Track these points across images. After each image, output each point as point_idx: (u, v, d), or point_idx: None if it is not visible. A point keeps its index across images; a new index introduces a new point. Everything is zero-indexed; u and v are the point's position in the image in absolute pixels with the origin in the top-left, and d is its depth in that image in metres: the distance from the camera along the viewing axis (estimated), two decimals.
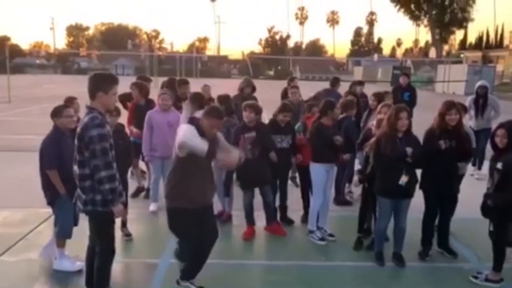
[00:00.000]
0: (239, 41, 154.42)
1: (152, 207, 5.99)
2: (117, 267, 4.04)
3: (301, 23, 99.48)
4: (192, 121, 3.73)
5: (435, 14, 44.29)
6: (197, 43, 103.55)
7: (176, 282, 3.90)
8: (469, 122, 7.99)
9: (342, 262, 4.70)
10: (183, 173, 3.65)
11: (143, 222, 5.76)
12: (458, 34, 59.25)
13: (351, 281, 4.37)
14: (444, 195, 4.63)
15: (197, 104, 5.38)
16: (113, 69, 65.18)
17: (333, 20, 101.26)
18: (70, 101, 5.25)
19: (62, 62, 72.33)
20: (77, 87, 32.31)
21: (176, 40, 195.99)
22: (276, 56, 64.52)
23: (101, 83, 3.40)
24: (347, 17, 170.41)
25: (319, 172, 5.13)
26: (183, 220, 3.72)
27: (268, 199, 5.22)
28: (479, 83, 8.42)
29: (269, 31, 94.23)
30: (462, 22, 48.17)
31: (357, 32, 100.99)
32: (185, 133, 3.55)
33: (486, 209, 4.12)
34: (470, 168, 6.96)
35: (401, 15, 52.61)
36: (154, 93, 6.59)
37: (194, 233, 3.75)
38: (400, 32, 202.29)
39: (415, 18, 50.51)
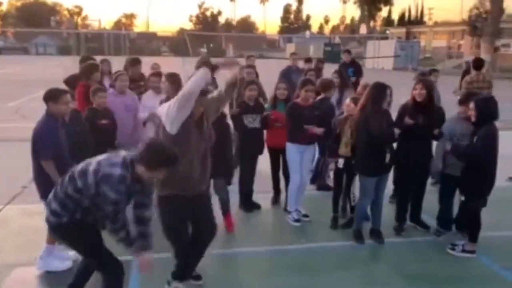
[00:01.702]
0: (168, 18, 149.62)
1: None
2: None
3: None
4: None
5: None
6: (123, 20, 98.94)
7: (166, 282, 3.59)
8: None
9: (323, 243, 4.64)
10: None
11: None
12: (383, 11, 61.60)
13: (334, 262, 4.32)
14: (416, 171, 4.70)
15: (176, 84, 5.00)
16: (33, 48, 60.56)
17: None
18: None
19: None
20: None
21: (101, 17, 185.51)
22: (211, 33, 63.28)
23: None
24: None
25: (292, 152, 5.00)
26: (170, 211, 3.38)
27: (222, 196, 4.85)
28: None
29: (200, 7, 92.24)
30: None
31: (287, 9, 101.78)
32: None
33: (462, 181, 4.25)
34: None
35: None
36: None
37: (180, 227, 3.45)
38: (327, 9, 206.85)
39: None
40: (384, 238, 4.63)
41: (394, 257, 4.45)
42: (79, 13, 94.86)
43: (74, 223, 2.96)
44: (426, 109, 4.51)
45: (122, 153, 2.95)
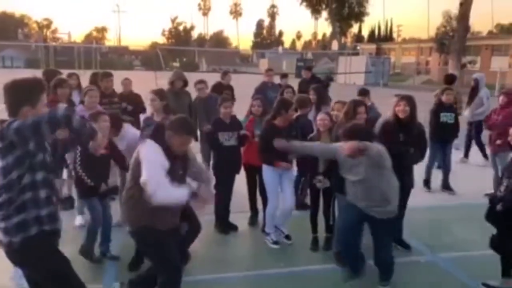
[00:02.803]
0: (140, 31, 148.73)
1: (79, 220, 5.21)
2: None
3: (205, 14, 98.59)
4: (157, 133, 3.16)
5: (335, 8, 46.42)
6: (94, 33, 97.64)
7: None
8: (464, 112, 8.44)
9: (304, 267, 4.44)
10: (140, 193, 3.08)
11: (72, 241, 4.91)
12: (353, 28, 62.99)
13: (316, 286, 4.13)
14: (400, 189, 4.58)
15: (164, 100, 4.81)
16: (0, 61, 58.90)
17: (236, 12, 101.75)
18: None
19: None
20: None
21: (71, 30, 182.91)
22: (184, 47, 63.00)
23: (25, 94, 2.62)
24: (249, 9, 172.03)
25: (269, 174, 4.79)
26: (157, 240, 3.16)
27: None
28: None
29: (173, 21, 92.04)
30: (359, 16, 51.22)
31: (259, 25, 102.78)
32: (150, 172, 2.98)
33: (492, 215, 3.88)
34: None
35: (300, 9, 54.22)
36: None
37: (174, 255, 3.23)
38: (299, 25, 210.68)
39: (316, 11, 52.51)
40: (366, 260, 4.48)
41: (377, 278, 4.29)
42: (48, 26, 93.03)
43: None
44: (408, 126, 4.43)
45: None
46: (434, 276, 4.34)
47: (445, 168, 6.89)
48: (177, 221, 3.34)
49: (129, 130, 4.94)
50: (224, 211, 5.17)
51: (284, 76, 8.79)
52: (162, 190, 2.95)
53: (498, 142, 6.15)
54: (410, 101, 4.43)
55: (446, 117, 6.58)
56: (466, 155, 8.56)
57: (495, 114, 6.57)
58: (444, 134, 6.62)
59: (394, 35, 74.66)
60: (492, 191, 6.26)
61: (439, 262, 4.60)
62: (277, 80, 8.98)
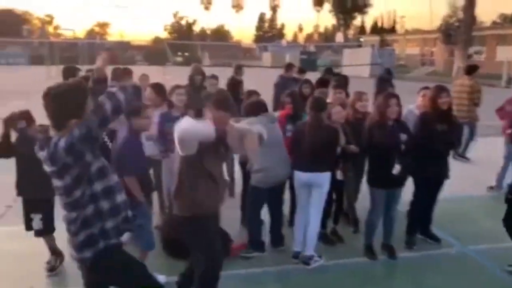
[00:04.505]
0: (141, 26, 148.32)
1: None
2: None
3: (206, 8, 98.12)
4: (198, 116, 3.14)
5: (338, 0, 46.19)
6: (96, 29, 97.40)
7: None
8: None
9: (334, 260, 4.39)
10: (190, 177, 3.05)
11: None
12: (356, 20, 62.61)
13: (350, 280, 4.11)
14: (434, 181, 4.57)
15: (162, 94, 4.78)
16: (3, 58, 58.83)
17: (238, 5, 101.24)
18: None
19: None
20: None
21: (73, 26, 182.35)
22: (188, 41, 62.80)
23: (73, 105, 2.38)
24: (251, 2, 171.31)
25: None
26: (201, 229, 3.14)
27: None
28: None
29: (175, 16, 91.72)
30: (362, 7, 50.90)
31: (261, 18, 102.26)
32: (183, 123, 2.86)
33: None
34: None
35: (301, 1, 53.87)
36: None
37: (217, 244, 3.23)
38: (301, 18, 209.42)
39: (318, 3, 52.23)
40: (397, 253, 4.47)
41: (411, 272, 4.30)
42: (50, 22, 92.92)
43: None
44: (447, 117, 4.41)
45: None
46: (466, 267, 4.34)
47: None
48: (219, 206, 3.32)
49: None
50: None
51: (301, 71, 8.67)
52: (191, 126, 2.87)
53: (509, 131, 6.19)
54: (448, 92, 4.44)
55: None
56: None
57: (509, 104, 6.50)
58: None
59: (397, 26, 74.30)
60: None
61: (469, 253, 4.59)
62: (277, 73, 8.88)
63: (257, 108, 4.27)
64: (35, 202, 3.90)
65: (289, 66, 8.78)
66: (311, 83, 6.79)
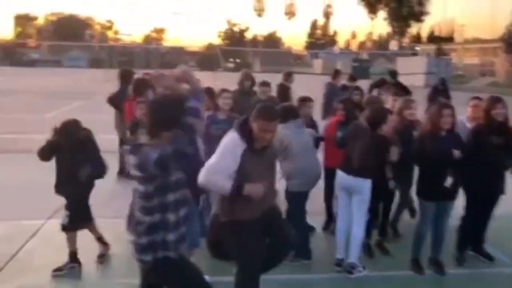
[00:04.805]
0: (196, 33, 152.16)
1: None
2: None
3: (259, 15, 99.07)
4: (244, 124, 3.18)
5: (394, 7, 45.14)
6: (153, 34, 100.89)
7: None
8: None
9: (374, 272, 4.26)
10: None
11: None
12: (412, 28, 60.88)
13: None
14: (488, 196, 4.36)
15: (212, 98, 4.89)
16: (66, 61, 62.39)
17: (290, 12, 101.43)
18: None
19: (9, 54, 68.05)
20: (30, 80, 30.85)
21: (131, 31, 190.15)
22: (241, 48, 63.84)
23: (171, 118, 2.54)
24: (303, 9, 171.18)
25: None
26: (238, 233, 3.19)
27: None
28: None
29: (228, 23, 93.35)
30: (418, 15, 49.45)
31: (314, 25, 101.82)
32: (215, 159, 3.09)
33: None
34: None
35: (355, 8, 53.13)
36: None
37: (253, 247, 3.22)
38: (354, 25, 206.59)
39: (373, 11, 51.31)
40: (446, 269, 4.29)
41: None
42: (110, 27, 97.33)
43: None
44: (503, 129, 4.20)
45: None
46: None
47: None
48: (262, 211, 3.29)
49: None
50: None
51: (352, 78, 8.58)
52: (211, 175, 3.04)
53: None
54: (504, 102, 4.22)
55: None
56: None
57: None
58: None
59: (456, 35, 71.41)
60: None
61: None
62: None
63: (286, 114, 4.26)
64: (68, 200, 4.11)
65: (336, 73, 8.68)
66: (362, 90, 6.70)
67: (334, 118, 5.04)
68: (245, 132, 3.12)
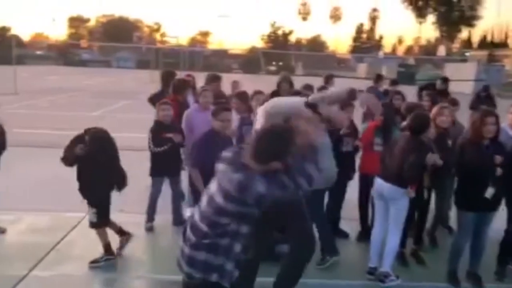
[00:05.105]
0: (240, 35, 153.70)
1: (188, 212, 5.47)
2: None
3: (304, 18, 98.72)
4: None
5: (443, 12, 43.70)
6: (198, 37, 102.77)
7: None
8: None
9: (408, 282, 4.13)
10: None
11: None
12: (462, 33, 58.74)
13: None
14: None
15: (245, 102, 4.95)
16: (115, 61, 64.62)
17: (335, 16, 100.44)
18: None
19: (63, 54, 71.35)
20: (81, 79, 32.25)
21: (177, 34, 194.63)
22: (283, 51, 63.88)
23: (282, 150, 2.37)
24: (349, 12, 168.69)
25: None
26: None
27: None
28: None
29: (272, 26, 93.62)
30: (470, 20, 47.60)
31: (359, 29, 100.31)
32: None
33: None
34: None
35: (402, 12, 51.78)
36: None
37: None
38: (401, 29, 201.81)
39: (421, 15, 49.89)
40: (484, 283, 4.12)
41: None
42: (158, 30, 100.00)
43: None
44: None
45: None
46: None
47: None
48: None
49: None
50: (334, 217, 5.05)
51: (394, 82, 8.41)
52: None
53: None
54: None
55: None
56: None
57: None
58: None
59: (510, 40, 68.27)
60: None
61: None
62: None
63: None
64: (93, 198, 4.24)
65: (378, 78, 8.56)
66: (403, 95, 6.55)
67: (372, 123, 4.96)
68: None
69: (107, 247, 4.30)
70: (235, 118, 4.97)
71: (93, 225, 4.28)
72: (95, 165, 4.08)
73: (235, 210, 2.37)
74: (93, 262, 4.23)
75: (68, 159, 4.14)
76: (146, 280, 4.16)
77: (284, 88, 6.79)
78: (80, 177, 4.21)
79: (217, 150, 3.61)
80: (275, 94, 5.32)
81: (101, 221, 4.28)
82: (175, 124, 5.18)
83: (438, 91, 7.07)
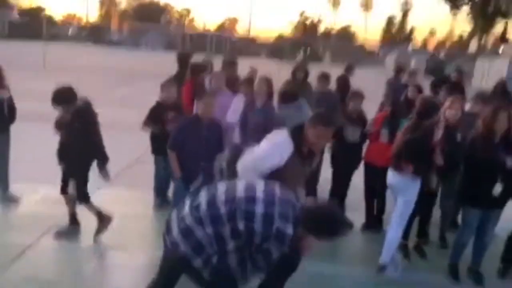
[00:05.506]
0: (269, 22, 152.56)
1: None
2: None
3: (334, 6, 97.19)
4: (295, 131, 3.16)
5: (478, 4, 42.11)
6: (227, 23, 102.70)
7: None
8: None
9: (406, 273, 4.12)
10: None
11: None
12: (497, 27, 56.62)
13: None
14: None
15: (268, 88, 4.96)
16: (144, 43, 65.35)
17: (366, 5, 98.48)
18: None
19: (94, 34, 72.49)
20: (110, 59, 32.68)
21: (206, 19, 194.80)
22: (309, 40, 63.22)
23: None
24: (380, 3, 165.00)
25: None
26: None
27: None
28: None
29: (301, 14, 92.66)
30: (506, 13, 45.68)
31: (390, 21, 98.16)
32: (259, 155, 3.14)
33: None
34: None
35: (436, 4, 49.99)
36: None
37: None
38: (433, 21, 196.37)
39: (455, 6, 48.26)
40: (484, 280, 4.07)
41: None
42: (187, 15, 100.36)
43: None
44: None
45: (290, 199, 2.56)
46: None
47: None
48: None
49: None
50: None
51: (413, 73, 8.22)
52: (251, 170, 3.06)
53: None
54: None
55: None
56: None
57: None
58: None
59: None
60: None
61: None
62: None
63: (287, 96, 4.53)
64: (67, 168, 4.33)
65: (399, 70, 8.39)
66: (420, 88, 6.44)
67: (381, 113, 4.92)
68: (297, 136, 3.15)
69: (72, 216, 4.41)
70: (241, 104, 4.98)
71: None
72: (71, 131, 4.12)
73: (246, 233, 2.41)
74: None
75: (56, 125, 4.29)
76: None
77: (298, 77, 6.77)
78: (59, 145, 4.31)
79: (199, 135, 3.71)
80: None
81: (79, 195, 4.25)
82: (178, 104, 5.17)
83: (452, 84, 6.89)
